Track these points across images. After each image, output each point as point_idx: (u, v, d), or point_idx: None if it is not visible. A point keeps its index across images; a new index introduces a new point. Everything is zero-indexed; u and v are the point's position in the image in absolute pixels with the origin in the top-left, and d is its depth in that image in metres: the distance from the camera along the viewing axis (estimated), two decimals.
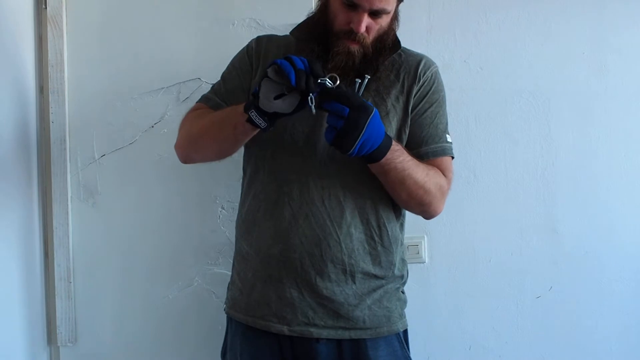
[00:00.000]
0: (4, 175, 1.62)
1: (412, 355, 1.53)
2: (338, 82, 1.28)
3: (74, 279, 1.85)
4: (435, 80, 1.52)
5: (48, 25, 1.81)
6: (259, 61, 1.51)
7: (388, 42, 1.45)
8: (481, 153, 1.90)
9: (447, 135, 1.52)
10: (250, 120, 1.30)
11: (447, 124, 1.53)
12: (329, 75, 1.28)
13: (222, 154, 1.49)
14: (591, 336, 1.91)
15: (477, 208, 1.89)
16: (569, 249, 1.91)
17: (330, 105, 1.28)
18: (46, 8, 1.81)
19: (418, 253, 1.87)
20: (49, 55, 1.81)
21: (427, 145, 1.48)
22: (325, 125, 1.31)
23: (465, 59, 1.89)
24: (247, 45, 1.56)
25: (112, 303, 1.86)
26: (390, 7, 1.40)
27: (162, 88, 1.86)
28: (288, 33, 1.55)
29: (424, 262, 1.88)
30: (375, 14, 1.38)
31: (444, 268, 1.90)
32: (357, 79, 1.33)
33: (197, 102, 1.55)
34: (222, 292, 1.83)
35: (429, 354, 1.86)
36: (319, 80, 1.26)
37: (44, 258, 1.84)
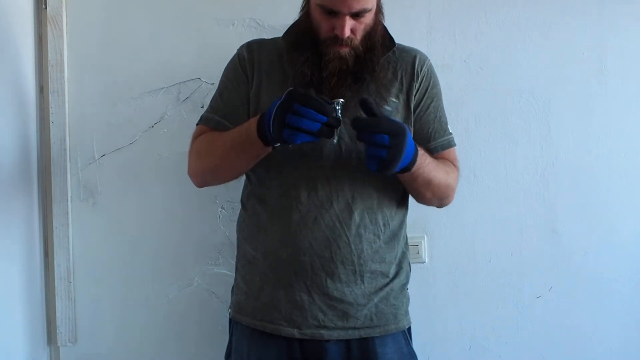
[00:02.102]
0: (3, 175, 1.62)
1: None
2: (341, 102, 1.30)
3: (74, 279, 1.85)
4: (432, 74, 1.53)
5: (48, 25, 1.81)
6: (254, 70, 1.49)
7: (377, 37, 1.44)
8: (481, 153, 1.90)
9: (449, 127, 1.55)
10: (275, 148, 1.36)
11: (446, 115, 1.56)
12: (336, 101, 1.30)
13: (240, 175, 1.52)
14: (591, 336, 1.91)
15: (477, 208, 1.89)
16: (569, 249, 1.91)
17: (369, 137, 1.28)
18: (46, 8, 1.81)
19: (418, 253, 1.87)
20: (49, 55, 1.81)
21: (435, 140, 1.51)
22: (364, 156, 1.32)
23: (465, 59, 1.89)
24: (238, 54, 1.53)
25: (112, 303, 1.86)
26: (370, 5, 1.38)
27: (162, 88, 1.86)
28: (280, 36, 1.53)
29: (424, 262, 1.88)
30: (356, 15, 1.37)
31: (444, 268, 1.90)
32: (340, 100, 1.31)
33: (198, 124, 1.53)
34: (222, 292, 1.84)
35: (429, 354, 1.86)
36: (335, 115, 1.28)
37: (44, 258, 1.84)
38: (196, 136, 1.52)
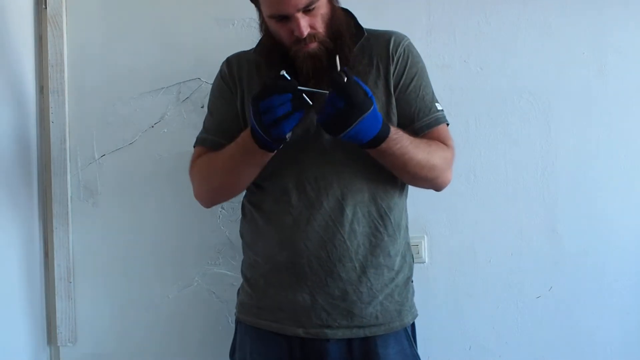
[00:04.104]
0: (4, 175, 1.62)
1: None
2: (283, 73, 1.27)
3: (74, 279, 1.85)
4: (409, 54, 1.48)
5: (48, 25, 1.81)
6: (236, 84, 1.50)
7: (341, 24, 1.41)
8: (481, 153, 1.90)
9: (437, 104, 1.49)
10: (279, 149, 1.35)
11: (433, 93, 1.50)
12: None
13: (247, 186, 1.51)
14: (591, 336, 1.91)
15: (477, 208, 1.89)
16: (569, 249, 1.90)
17: (331, 94, 1.25)
18: (46, 8, 1.81)
19: (418, 253, 1.86)
20: (49, 55, 1.81)
21: (420, 119, 1.46)
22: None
23: (465, 59, 1.89)
24: (220, 72, 1.56)
25: (112, 303, 1.86)
26: None
27: (162, 88, 1.86)
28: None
29: (424, 262, 1.88)
30: (307, 9, 1.34)
31: (444, 268, 1.89)
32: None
33: (195, 147, 1.54)
34: (222, 292, 1.84)
35: (429, 354, 1.86)
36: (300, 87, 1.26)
37: (44, 258, 1.84)
38: (195, 159, 1.53)
